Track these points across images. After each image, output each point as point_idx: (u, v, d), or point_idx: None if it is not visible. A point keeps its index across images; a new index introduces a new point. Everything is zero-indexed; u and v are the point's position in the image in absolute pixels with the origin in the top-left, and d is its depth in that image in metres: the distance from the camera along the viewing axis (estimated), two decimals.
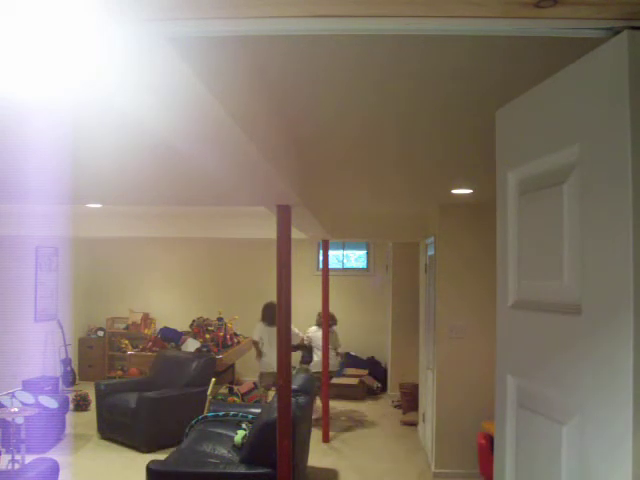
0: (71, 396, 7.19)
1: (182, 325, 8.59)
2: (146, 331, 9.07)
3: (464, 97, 2.11)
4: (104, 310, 9.42)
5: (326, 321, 6.48)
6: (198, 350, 7.47)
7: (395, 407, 7.72)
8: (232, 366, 8.57)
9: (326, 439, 6.21)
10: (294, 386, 4.55)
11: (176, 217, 6.54)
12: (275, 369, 6.69)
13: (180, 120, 1.55)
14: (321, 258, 7.25)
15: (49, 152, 2.84)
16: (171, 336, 8.10)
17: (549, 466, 1.25)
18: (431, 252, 5.66)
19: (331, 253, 8.21)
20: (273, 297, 3.36)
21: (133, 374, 8.01)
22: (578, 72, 1.17)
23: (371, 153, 3.13)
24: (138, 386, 6.53)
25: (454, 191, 4.37)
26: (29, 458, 4.08)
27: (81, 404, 7.31)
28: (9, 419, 4.93)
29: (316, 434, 5.99)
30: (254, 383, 7.17)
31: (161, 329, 8.38)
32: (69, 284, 8.64)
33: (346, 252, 9.67)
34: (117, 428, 6.05)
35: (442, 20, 1.01)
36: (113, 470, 5.31)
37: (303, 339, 7.26)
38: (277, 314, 3.30)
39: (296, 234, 4.06)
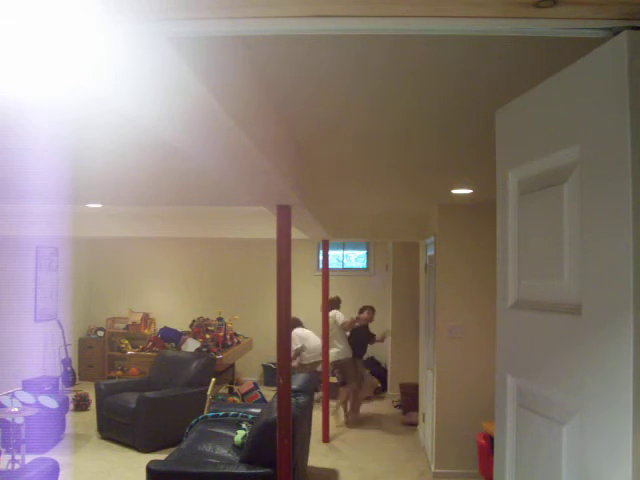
0: (71, 396, 7.20)
1: (182, 325, 8.59)
2: (146, 331, 9.07)
3: (464, 97, 2.11)
4: (104, 310, 9.42)
5: (326, 324, 6.47)
6: (198, 350, 7.47)
7: (395, 407, 7.72)
8: (232, 366, 8.57)
9: (326, 439, 6.22)
10: (294, 386, 4.55)
11: (176, 217, 6.55)
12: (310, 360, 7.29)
13: (180, 120, 1.55)
14: (321, 258, 7.25)
15: (49, 152, 2.84)
16: (171, 336, 8.10)
17: (549, 466, 1.25)
18: (431, 252, 5.66)
19: (331, 253, 8.21)
20: (273, 297, 3.36)
21: (133, 374, 8.02)
22: (578, 72, 1.17)
23: (371, 153, 3.13)
24: (138, 386, 6.54)
25: (454, 191, 4.37)
26: (29, 458, 4.09)
27: (81, 404, 7.31)
28: (9, 419, 4.93)
29: (316, 434, 6.00)
30: (254, 383, 7.17)
31: (161, 329, 8.37)
32: (69, 284, 8.64)
33: (346, 252, 9.67)
34: (117, 428, 6.05)
35: (442, 20, 1.01)
36: (113, 470, 5.31)
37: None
38: (277, 314, 3.30)
39: (296, 234, 4.06)
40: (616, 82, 1.03)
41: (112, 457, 5.66)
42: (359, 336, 7.32)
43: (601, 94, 1.09)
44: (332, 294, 6.80)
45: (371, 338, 7.42)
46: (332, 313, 7.08)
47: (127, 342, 8.87)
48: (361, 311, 7.37)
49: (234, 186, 3.32)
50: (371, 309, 7.37)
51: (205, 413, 5.39)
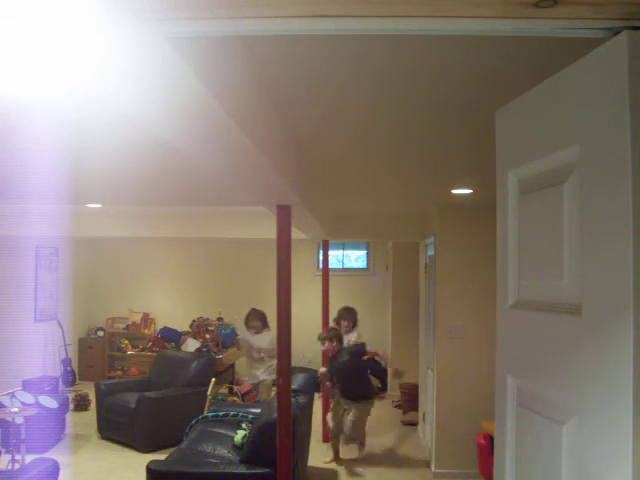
0: (71, 396, 7.19)
1: (182, 325, 8.59)
2: (146, 331, 9.07)
3: (464, 97, 2.11)
4: (104, 310, 9.42)
5: (326, 324, 6.46)
6: (198, 350, 7.47)
7: (395, 407, 7.72)
8: (232, 366, 8.57)
9: (326, 439, 6.21)
10: (294, 386, 4.55)
11: (176, 217, 6.55)
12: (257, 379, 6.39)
13: (180, 120, 1.55)
14: (321, 258, 7.25)
15: (49, 152, 2.84)
16: (171, 336, 8.10)
17: (549, 466, 1.25)
18: (431, 252, 5.66)
19: (331, 253, 8.21)
20: (273, 297, 3.35)
21: (133, 374, 8.02)
22: (578, 72, 1.17)
23: (371, 153, 3.13)
24: (138, 386, 6.54)
25: (454, 191, 4.37)
26: (29, 458, 4.09)
27: (81, 404, 7.31)
28: (9, 419, 4.93)
29: (316, 434, 5.99)
30: (254, 384, 7.17)
31: (161, 329, 8.38)
32: (69, 284, 8.64)
33: (346, 252, 9.67)
34: (117, 428, 6.05)
35: (442, 20, 1.01)
36: (113, 470, 5.31)
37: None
38: (277, 314, 3.29)
39: (296, 234, 4.06)
40: (616, 82, 1.03)
41: (112, 457, 5.66)
42: (336, 369, 5.55)
43: (601, 94, 1.09)
44: (332, 295, 6.74)
45: (371, 365, 5.80)
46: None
47: (127, 342, 8.87)
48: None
49: (234, 186, 3.32)
50: (333, 335, 5.67)
51: (205, 413, 5.39)
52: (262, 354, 6.47)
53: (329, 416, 5.69)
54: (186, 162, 2.96)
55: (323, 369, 5.87)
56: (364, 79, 1.93)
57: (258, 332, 6.54)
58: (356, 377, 5.53)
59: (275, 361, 6.20)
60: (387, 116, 2.38)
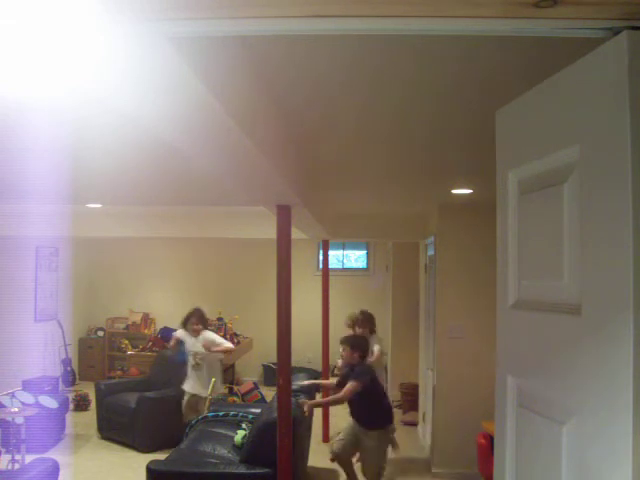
0: (71, 396, 7.19)
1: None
2: (146, 331, 9.07)
3: (464, 97, 2.11)
4: (104, 310, 9.42)
5: (326, 324, 6.45)
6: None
7: (395, 407, 7.72)
8: (232, 366, 8.57)
9: (326, 439, 6.21)
10: (294, 386, 4.54)
11: (176, 217, 6.55)
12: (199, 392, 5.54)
13: (180, 120, 1.55)
14: (321, 258, 7.25)
15: (49, 152, 2.84)
16: (171, 336, 8.08)
17: (549, 466, 1.25)
18: (431, 252, 5.67)
19: (331, 253, 8.20)
20: (273, 297, 3.35)
21: (133, 374, 8.02)
22: (578, 72, 1.17)
23: (370, 153, 3.12)
24: (138, 386, 6.54)
25: (454, 191, 4.37)
26: (29, 458, 4.09)
27: (81, 404, 7.32)
28: (9, 419, 4.93)
29: (316, 434, 5.99)
30: (254, 383, 7.17)
31: (161, 329, 8.37)
32: (69, 284, 8.64)
33: (346, 252, 9.67)
34: (117, 428, 6.05)
35: (442, 20, 1.01)
36: (113, 470, 5.31)
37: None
38: (277, 314, 3.30)
39: (296, 234, 4.06)
40: (616, 82, 1.03)
41: (112, 457, 5.66)
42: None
43: (601, 94, 1.09)
44: (332, 295, 6.72)
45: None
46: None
47: (127, 342, 8.87)
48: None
49: (234, 186, 3.32)
50: (356, 344, 4.49)
51: (205, 413, 5.39)
52: (199, 359, 5.68)
53: (334, 441, 4.84)
54: (186, 162, 2.97)
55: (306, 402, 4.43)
56: (364, 79, 1.93)
57: (197, 335, 5.81)
58: (375, 400, 4.54)
59: (216, 372, 5.48)
60: (387, 116, 2.38)
